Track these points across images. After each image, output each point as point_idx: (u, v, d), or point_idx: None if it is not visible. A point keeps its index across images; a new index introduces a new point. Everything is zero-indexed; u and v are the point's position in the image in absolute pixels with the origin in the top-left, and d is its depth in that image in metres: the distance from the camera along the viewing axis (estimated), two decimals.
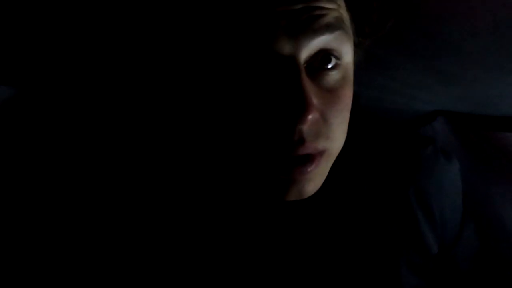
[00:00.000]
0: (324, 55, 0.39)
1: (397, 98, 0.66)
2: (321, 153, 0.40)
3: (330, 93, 0.40)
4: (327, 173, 0.43)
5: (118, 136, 0.60)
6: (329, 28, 0.37)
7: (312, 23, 0.37)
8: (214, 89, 0.40)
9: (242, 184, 0.47)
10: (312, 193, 0.42)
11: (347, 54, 0.40)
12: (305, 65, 0.38)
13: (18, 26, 0.57)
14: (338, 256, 0.49)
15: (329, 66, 0.39)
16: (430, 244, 0.53)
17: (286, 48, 0.37)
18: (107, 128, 0.63)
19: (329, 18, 0.38)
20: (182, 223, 0.49)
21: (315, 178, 0.41)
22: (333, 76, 0.40)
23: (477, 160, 0.73)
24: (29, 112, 0.65)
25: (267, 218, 0.49)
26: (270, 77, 0.38)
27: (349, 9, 0.41)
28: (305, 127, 0.37)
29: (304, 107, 0.36)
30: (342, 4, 0.40)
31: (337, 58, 0.39)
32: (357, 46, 0.44)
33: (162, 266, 0.49)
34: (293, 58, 0.37)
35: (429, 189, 0.54)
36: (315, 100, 0.37)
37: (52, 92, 0.66)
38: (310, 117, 0.36)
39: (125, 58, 0.62)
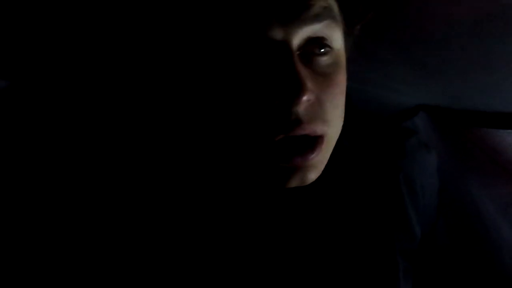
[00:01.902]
0: (315, 42, 0.41)
1: (379, 91, 0.67)
2: (321, 139, 0.41)
3: (324, 78, 0.41)
4: (327, 160, 0.44)
5: (115, 129, 0.60)
6: (317, 17, 0.40)
7: (301, 13, 0.39)
8: (210, 76, 0.42)
9: (243, 174, 0.47)
10: (313, 180, 0.43)
11: (337, 40, 0.42)
12: (298, 52, 0.40)
13: (18, 25, 0.57)
14: (337, 244, 0.51)
15: (321, 51, 0.41)
16: (415, 229, 0.55)
17: (278, 34, 0.39)
18: (103, 123, 0.63)
19: (317, 8, 0.39)
20: (182, 215, 0.50)
21: (317, 165, 0.42)
22: (325, 61, 0.42)
23: (455, 154, 0.74)
24: (29, 112, 0.64)
25: (266, 208, 0.50)
26: (265, 62, 0.39)
27: None
28: (301, 109, 0.39)
29: (299, 88, 0.37)
30: None
31: (328, 45, 0.41)
32: (347, 34, 0.45)
33: (162, 260, 0.49)
34: (286, 43, 0.39)
35: (414, 175, 0.57)
36: (309, 83, 0.39)
37: (52, 92, 0.66)
38: (305, 98, 0.38)
39: (121, 46, 0.62)
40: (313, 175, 0.42)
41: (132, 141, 0.56)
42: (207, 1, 0.40)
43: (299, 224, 0.50)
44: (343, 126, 0.46)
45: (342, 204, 0.52)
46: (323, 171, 0.45)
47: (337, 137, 0.44)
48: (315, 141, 0.41)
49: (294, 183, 0.42)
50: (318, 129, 0.40)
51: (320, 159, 0.42)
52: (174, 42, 0.46)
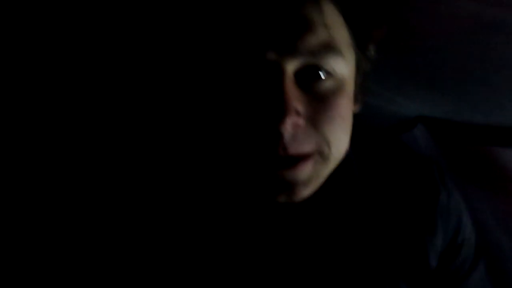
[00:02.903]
0: (313, 69, 0.40)
1: (377, 102, 0.67)
2: (310, 155, 0.41)
3: (323, 101, 0.41)
4: (323, 178, 0.44)
5: (114, 136, 0.60)
6: (313, 52, 0.39)
7: (296, 47, 0.39)
8: (208, 89, 0.43)
9: (236, 185, 0.48)
10: (305, 196, 0.42)
11: (340, 68, 0.41)
12: (294, 74, 0.40)
13: (18, 26, 0.58)
14: (330, 264, 0.50)
15: (320, 77, 0.41)
16: (432, 263, 0.53)
17: (273, 58, 0.39)
18: (102, 127, 0.63)
19: (313, 43, 0.39)
20: (177, 223, 0.50)
21: (307, 181, 0.42)
22: (325, 86, 0.41)
23: (454, 167, 0.74)
24: (29, 112, 0.65)
25: (263, 219, 0.49)
26: (259, 81, 0.40)
27: (348, 25, 0.43)
28: (288, 131, 0.39)
29: (283, 112, 0.38)
30: (336, 22, 0.41)
31: (328, 72, 0.41)
32: (359, 58, 0.45)
33: (157, 268, 0.49)
34: (279, 65, 0.39)
35: (450, 209, 0.55)
36: (300, 107, 0.39)
37: (52, 92, 0.66)
38: (289, 121, 0.38)
39: (125, 60, 0.63)
40: (304, 192, 0.42)
41: (131, 145, 0.57)
42: (209, 20, 0.41)
43: (293, 240, 0.50)
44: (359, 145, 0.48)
45: (343, 228, 0.51)
46: (326, 190, 0.46)
47: (339, 158, 0.44)
48: (300, 159, 0.41)
49: (282, 197, 0.42)
50: (305, 149, 0.41)
51: (310, 175, 0.42)
52: (176, 53, 0.48)
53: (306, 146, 0.41)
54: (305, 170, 0.41)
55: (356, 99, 0.47)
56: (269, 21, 0.39)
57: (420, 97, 0.61)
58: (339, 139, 0.43)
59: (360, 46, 0.44)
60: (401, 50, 0.54)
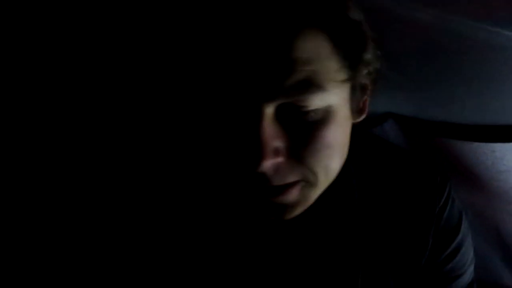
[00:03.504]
0: (294, 106, 0.40)
1: None
2: (296, 183, 0.43)
3: (307, 133, 0.41)
4: (312, 200, 0.45)
5: (111, 138, 0.62)
6: (291, 92, 0.38)
7: (273, 88, 0.38)
8: (199, 122, 0.43)
9: (230, 204, 0.50)
10: (296, 215, 0.45)
11: (323, 101, 0.40)
12: (276, 110, 0.39)
13: (17, 26, 0.58)
14: (321, 265, 0.52)
15: (303, 111, 0.40)
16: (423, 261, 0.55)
17: (250, 100, 0.39)
18: (99, 128, 0.64)
19: (291, 81, 0.38)
20: (173, 228, 0.51)
21: (295, 204, 0.44)
22: (308, 118, 0.40)
23: None
24: (29, 112, 0.65)
25: (259, 230, 0.51)
26: (239, 123, 0.40)
27: (339, 50, 0.41)
28: (269, 170, 0.40)
29: (260, 155, 0.38)
30: (322, 53, 0.40)
31: (310, 107, 0.40)
32: (352, 85, 0.43)
33: (155, 271, 0.51)
34: (259, 107, 0.39)
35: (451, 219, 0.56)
36: (280, 144, 0.40)
37: (51, 92, 0.67)
38: (266, 163, 0.39)
39: (123, 65, 0.63)
40: (293, 212, 0.44)
41: (129, 147, 0.58)
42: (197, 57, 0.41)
43: (287, 245, 0.52)
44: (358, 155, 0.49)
45: (335, 240, 0.53)
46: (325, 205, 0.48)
47: (329, 181, 0.45)
48: (286, 186, 0.42)
49: (274, 218, 0.44)
50: (289, 180, 0.42)
51: (297, 200, 0.44)
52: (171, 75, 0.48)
53: (290, 177, 0.42)
54: (291, 196, 0.43)
55: (359, 111, 0.47)
56: (247, 66, 0.38)
57: (387, 96, 0.64)
58: (325, 168, 0.43)
59: (353, 67, 0.42)
60: None
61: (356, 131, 0.63)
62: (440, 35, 0.47)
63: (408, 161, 0.58)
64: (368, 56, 0.43)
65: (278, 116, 0.40)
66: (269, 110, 0.39)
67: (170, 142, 0.56)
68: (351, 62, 0.41)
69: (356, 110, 0.46)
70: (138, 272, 0.51)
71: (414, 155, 0.60)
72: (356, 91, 0.44)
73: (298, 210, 0.45)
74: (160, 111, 0.59)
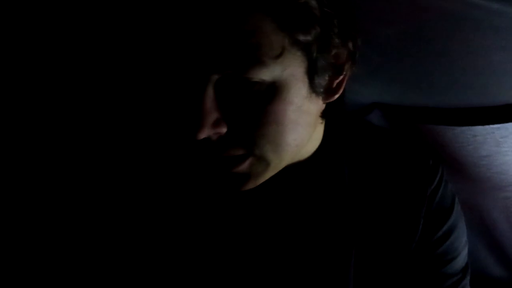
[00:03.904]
0: (239, 78, 0.41)
1: None
2: (244, 157, 0.45)
3: (253, 107, 0.42)
4: (264, 176, 0.47)
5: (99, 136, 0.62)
6: (233, 63, 0.40)
7: (215, 59, 0.40)
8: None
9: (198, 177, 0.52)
10: (254, 186, 0.47)
11: (267, 74, 0.41)
12: (220, 83, 0.41)
13: (13, 27, 0.59)
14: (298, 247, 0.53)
15: (248, 84, 0.41)
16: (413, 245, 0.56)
17: (194, 72, 0.41)
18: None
19: (233, 53, 0.39)
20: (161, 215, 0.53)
21: (248, 177, 0.46)
22: (255, 92, 0.42)
23: None
24: (29, 112, 0.65)
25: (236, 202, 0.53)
26: (185, 91, 0.43)
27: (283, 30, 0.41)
28: (213, 138, 0.43)
29: (199, 125, 0.41)
30: (264, 29, 0.40)
31: (252, 79, 0.41)
32: (313, 58, 0.43)
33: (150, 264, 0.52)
34: (204, 76, 0.41)
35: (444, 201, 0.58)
36: (220, 115, 0.42)
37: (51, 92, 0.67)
38: (202, 134, 0.41)
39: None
40: (250, 184, 0.46)
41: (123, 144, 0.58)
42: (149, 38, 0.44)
43: (263, 218, 0.53)
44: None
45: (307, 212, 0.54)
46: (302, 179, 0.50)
47: (283, 159, 0.46)
48: (236, 158, 0.44)
49: (233, 189, 0.47)
50: (236, 153, 0.44)
51: (247, 173, 0.46)
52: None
53: (237, 149, 0.44)
54: (240, 168, 0.45)
55: (329, 91, 0.47)
56: (191, 36, 0.40)
57: (372, 86, 0.65)
58: (274, 144, 0.44)
59: (306, 48, 0.42)
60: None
61: (350, 117, 0.65)
62: (422, 18, 0.48)
63: (400, 144, 0.60)
64: (326, 36, 0.43)
65: (223, 88, 0.42)
66: (213, 79, 0.41)
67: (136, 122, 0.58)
68: (299, 40, 0.41)
69: (324, 89, 0.46)
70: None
71: (407, 139, 0.61)
72: (319, 70, 0.44)
73: (250, 184, 0.46)
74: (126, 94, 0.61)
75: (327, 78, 0.46)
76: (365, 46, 0.54)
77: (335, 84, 0.47)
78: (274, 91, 0.42)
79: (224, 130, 0.43)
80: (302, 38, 0.41)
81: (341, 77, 0.47)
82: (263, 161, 0.45)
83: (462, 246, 0.60)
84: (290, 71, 0.42)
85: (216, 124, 0.42)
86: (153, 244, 0.52)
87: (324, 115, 0.50)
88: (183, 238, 0.52)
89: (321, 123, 0.52)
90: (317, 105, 0.47)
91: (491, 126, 0.56)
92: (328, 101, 0.48)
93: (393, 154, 0.58)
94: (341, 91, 0.48)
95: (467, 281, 0.60)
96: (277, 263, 0.53)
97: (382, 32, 0.50)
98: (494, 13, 0.40)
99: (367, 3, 0.49)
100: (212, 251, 0.52)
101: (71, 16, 0.58)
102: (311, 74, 0.44)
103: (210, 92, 0.41)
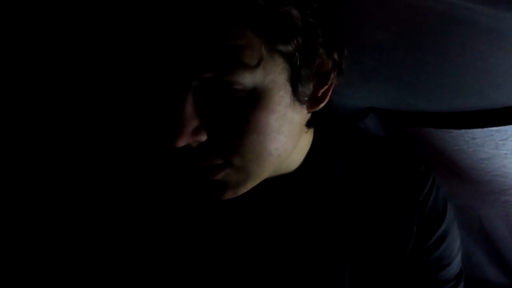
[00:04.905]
0: (220, 83, 0.40)
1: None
2: (221, 166, 0.43)
3: (233, 116, 0.41)
4: (245, 186, 0.46)
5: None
6: (214, 67, 0.39)
7: (195, 64, 0.39)
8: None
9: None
10: (233, 196, 0.46)
11: (248, 80, 0.40)
12: (200, 90, 0.41)
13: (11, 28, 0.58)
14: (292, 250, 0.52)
15: (229, 91, 0.40)
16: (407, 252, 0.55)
17: (174, 77, 0.40)
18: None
19: (213, 57, 0.38)
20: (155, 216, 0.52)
21: (225, 187, 0.45)
22: (236, 98, 0.41)
23: None
24: (29, 112, 0.65)
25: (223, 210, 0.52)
26: (166, 98, 0.42)
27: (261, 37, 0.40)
28: (193, 144, 0.42)
29: (177, 133, 0.40)
30: (243, 35, 0.39)
31: (233, 85, 0.40)
32: (296, 65, 0.42)
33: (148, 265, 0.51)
34: (184, 82, 0.40)
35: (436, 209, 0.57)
36: (200, 123, 0.41)
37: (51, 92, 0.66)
38: (181, 142, 0.40)
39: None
40: (228, 194, 0.45)
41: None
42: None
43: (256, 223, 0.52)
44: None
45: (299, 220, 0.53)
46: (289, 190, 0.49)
47: (263, 171, 0.45)
48: (214, 167, 0.44)
49: (212, 198, 0.46)
50: (215, 162, 0.43)
51: (225, 183, 0.45)
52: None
53: (217, 158, 0.43)
54: (218, 177, 0.44)
55: (313, 99, 0.46)
56: (171, 41, 0.39)
57: (367, 91, 0.64)
58: (255, 154, 0.43)
59: (288, 56, 0.41)
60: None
61: (340, 124, 0.64)
62: (417, 22, 0.47)
63: (391, 150, 0.59)
64: (309, 46, 0.42)
65: (204, 94, 0.41)
66: (193, 85, 0.40)
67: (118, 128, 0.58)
68: (279, 50, 0.41)
69: (309, 98, 0.45)
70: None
71: (398, 145, 0.60)
72: (303, 79, 0.43)
73: (229, 194, 0.45)
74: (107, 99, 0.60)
75: (311, 87, 0.45)
76: (360, 51, 0.54)
77: (320, 93, 0.47)
78: (255, 99, 0.41)
79: (204, 138, 0.42)
80: (282, 48, 0.41)
81: (326, 86, 0.46)
82: (243, 171, 0.44)
83: (456, 252, 0.59)
84: (272, 77, 0.41)
85: (196, 132, 0.41)
86: (139, 248, 0.51)
87: (309, 124, 0.49)
88: (162, 246, 0.51)
89: (306, 132, 0.50)
90: (301, 114, 0.46)
91: (490, 128, 0.55)
92: (313, 110, 0.47)
93: (384, 161, 0.57)
94: (326, 100, 0.47)
95: (461, 287, 0.60)
96: (268, 279, 0.51)
97: (377, 36, 0.49)
98: (490, 16, 0.40)
99: (361, 7, 0.48)
100: (194, 263, 0.51)
101: (50, 20, 0.57)
102: (295, 82, 0.43)
103: (190, 99, 0.41)
